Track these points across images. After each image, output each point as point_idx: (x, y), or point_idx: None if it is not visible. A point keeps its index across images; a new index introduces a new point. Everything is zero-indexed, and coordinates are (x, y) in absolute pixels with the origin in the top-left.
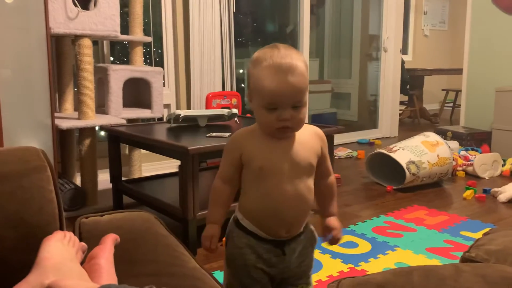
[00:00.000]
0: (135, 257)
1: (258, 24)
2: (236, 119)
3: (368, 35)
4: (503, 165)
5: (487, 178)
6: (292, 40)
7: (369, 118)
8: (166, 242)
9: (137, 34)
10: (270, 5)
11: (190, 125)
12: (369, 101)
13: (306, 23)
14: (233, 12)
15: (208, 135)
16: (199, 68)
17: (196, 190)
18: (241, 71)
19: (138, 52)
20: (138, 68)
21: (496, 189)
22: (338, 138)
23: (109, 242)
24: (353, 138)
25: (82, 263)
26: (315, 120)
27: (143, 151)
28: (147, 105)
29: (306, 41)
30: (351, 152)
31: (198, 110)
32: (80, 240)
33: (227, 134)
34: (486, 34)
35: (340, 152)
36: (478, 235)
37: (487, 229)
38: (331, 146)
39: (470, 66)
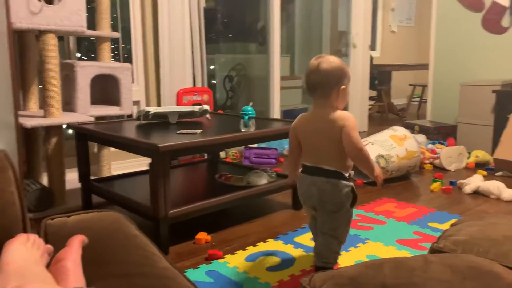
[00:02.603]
0: (104, 258)
1: (229, 20)
2: (208, 115)
3: (338, 31)
4: (468, 158)
5: (453, 170)
6: (262, 36)
7: None
8: (136, 242)
9: (105, 29)
10: (241, 1)
11: (161, 122)
12: None
13: (276, 19)
14: (203, 8)
15: (179, 132)
16: (169, 64)
17: (168, 188)
18: (212, 67)
19: (106, 48)
20: (106, 64)
21: (461, 181)
22: None
23: (76, 243)
24: None
25: (48, 266)
26: (287, 115)
27: (112, 149)
28: (116, 102)
29: (276, 37)
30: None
31: (168, 106)
32: (46, 242)
33: (198, 131)
34: (451, 30)
35: None
36: (446, 226)
37: (454, 220)
38: None
39: (436, 61)
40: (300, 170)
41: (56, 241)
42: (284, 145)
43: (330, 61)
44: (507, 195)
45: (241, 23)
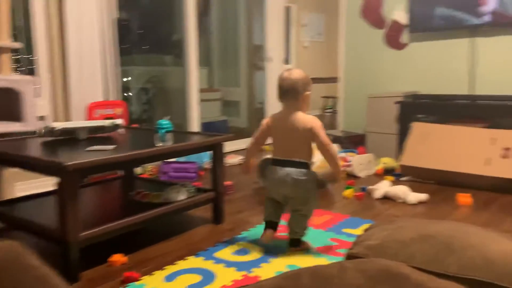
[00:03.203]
0: None
1: (144, 32)
2: (121, 130)
3: (254, 45)
4: (377, 165)
5: (363, 177)
6: (179, 49)
7: (258, 125)
8: (36, 274)
9: (3, 39)
10: (156, 13)
11: (69, 138)
12: (257, 108)
13: (193, 31)
14: (117, 18)
15: (88, 149)
16: (79, 76)
17: (77, 209)
18: (127, 79)
19: (5, 60)
20: (4, 77)
21: (371, 187)
22: (229, 145)
23: None
24: (244, 145)
25: None
26: (206, 128)
27: (15, 168)
28: (18, 117)
29: (193, 50)
30: (242, 159)
31: (76, 121)
32: None
33: (110, 147)
34: (358, 45)
35: (232, 159)
36: (359, 231)
37: (366, 225)
38: (221, 153)
39: (346, 75)
40: (271, 163)
41: None
42: (203, 159)
43: (297, 72)
44: (412, 198)
45: (157, 34)
